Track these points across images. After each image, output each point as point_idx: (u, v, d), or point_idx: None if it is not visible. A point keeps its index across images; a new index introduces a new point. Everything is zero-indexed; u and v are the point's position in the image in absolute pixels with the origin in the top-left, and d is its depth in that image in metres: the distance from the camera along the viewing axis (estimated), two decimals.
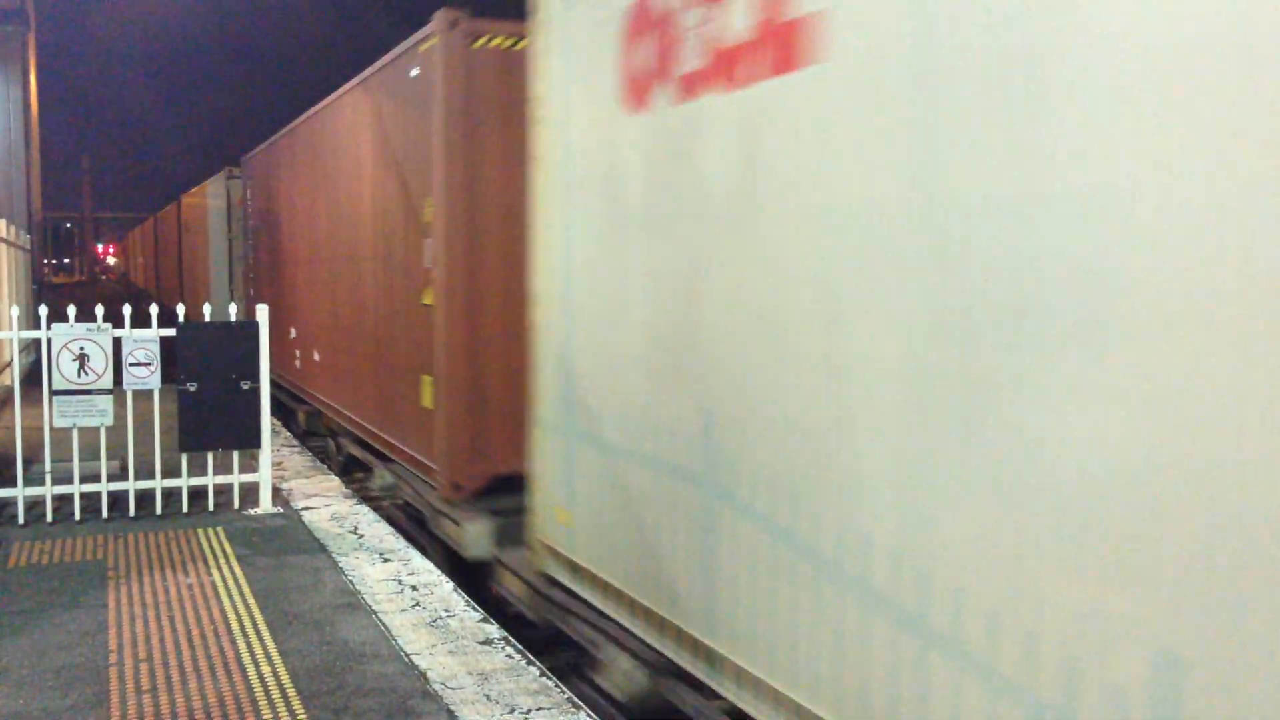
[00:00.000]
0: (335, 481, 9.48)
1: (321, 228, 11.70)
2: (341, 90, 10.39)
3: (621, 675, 5.18)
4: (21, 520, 7.64)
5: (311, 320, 12.31)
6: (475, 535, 7.15)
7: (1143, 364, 2.48)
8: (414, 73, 7.97)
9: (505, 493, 7.20)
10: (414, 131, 8.09)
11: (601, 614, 5.33)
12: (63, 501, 7.89)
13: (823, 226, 3.60)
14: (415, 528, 8.47)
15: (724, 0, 4.08)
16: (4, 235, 15.23)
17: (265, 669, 5.08)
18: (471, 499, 7.45)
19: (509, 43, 7.28)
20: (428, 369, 7.85)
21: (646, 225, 4.82)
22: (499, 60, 7.29)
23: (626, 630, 5.09)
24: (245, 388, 7.98)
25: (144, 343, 7.78)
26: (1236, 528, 2.28)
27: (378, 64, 9.04)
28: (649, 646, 4.88)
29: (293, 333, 13.25)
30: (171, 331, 7.85)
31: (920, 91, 3.16)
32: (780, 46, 3.76)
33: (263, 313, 8.17)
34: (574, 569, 5.61)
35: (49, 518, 7.72)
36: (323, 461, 10.90)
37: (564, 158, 5.63)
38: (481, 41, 7.33)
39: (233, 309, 8.71)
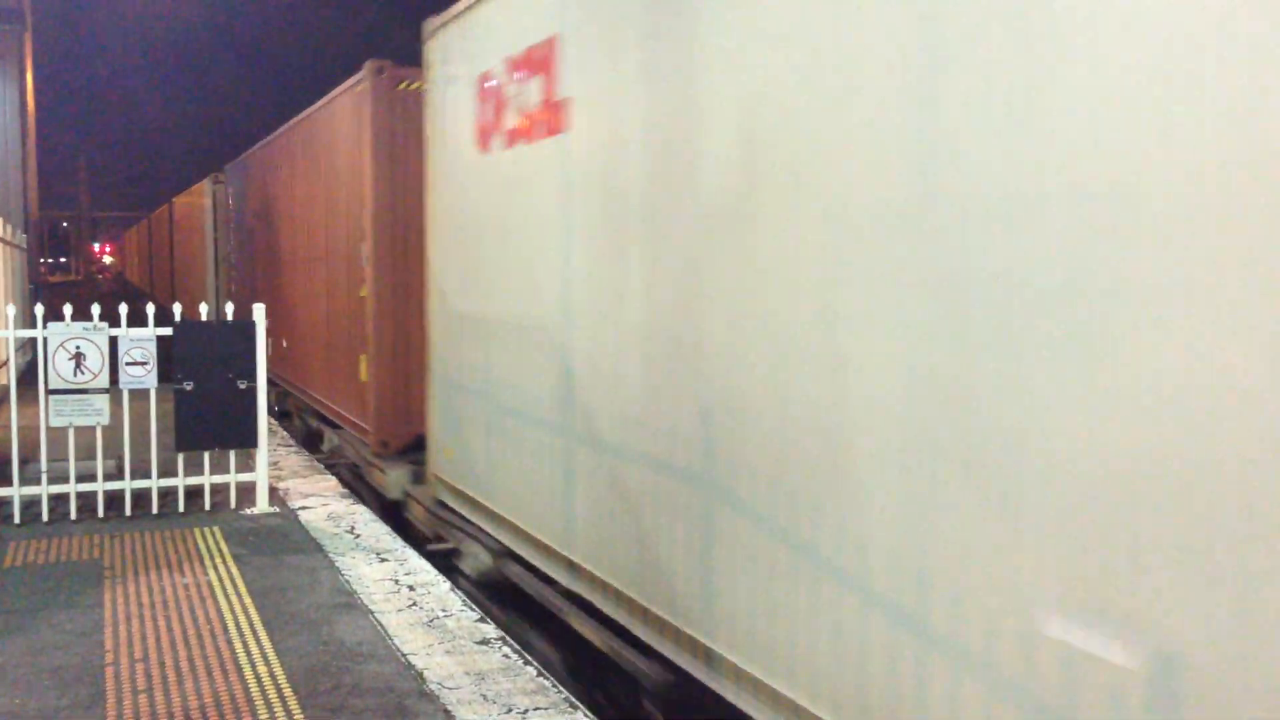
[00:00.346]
0: (332, 481, 9.48)
1: (287, 231, 13.55)
2: (301, 116, 12.18)
3: (473, 559, 7.06)
4: (17, 520, 7.62)
5: (281, 312, 13.67)
6: (395, 480, 8.90)
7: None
8: (352, 107, 9.77)
9: (424, 449, 8.39)
10: (354, 154, 9.82)
11: (467, 520, 7.24)
12: (59, 501, 7.87)
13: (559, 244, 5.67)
14: (355, 480, 10.12)
15: (527, 81, 5.90)
16: (0, 234, 15.20)
17: (262, 669, 5.07)
18: (396, 454, 9.24)
19: None
20: (364, 349, 9.58)
21: (496, 241, 6.60)
22: (419, 99, 8.44)
23: (480, 529, 6.96)
24: (242, 387, 7.97)
25: (140, 342, 7.76)
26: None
27: (326, 98, 10.81)
28: (498, 542, 6.71)
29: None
30: (168, 330, 7.84)
31: (611, 153, 5.07)
32: (552, 117, 5.63)
33: (259, 311, 8.15)
34: (454, 491, 7.45)
35: (45, 517, 7.70)
36: (290, 435, 12.24)
37: (445, 185, 7.45)
38: (404, 85, 9.08)
39: (230, 308, 8.71)
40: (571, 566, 5.61)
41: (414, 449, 8.92)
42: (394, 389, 9.25)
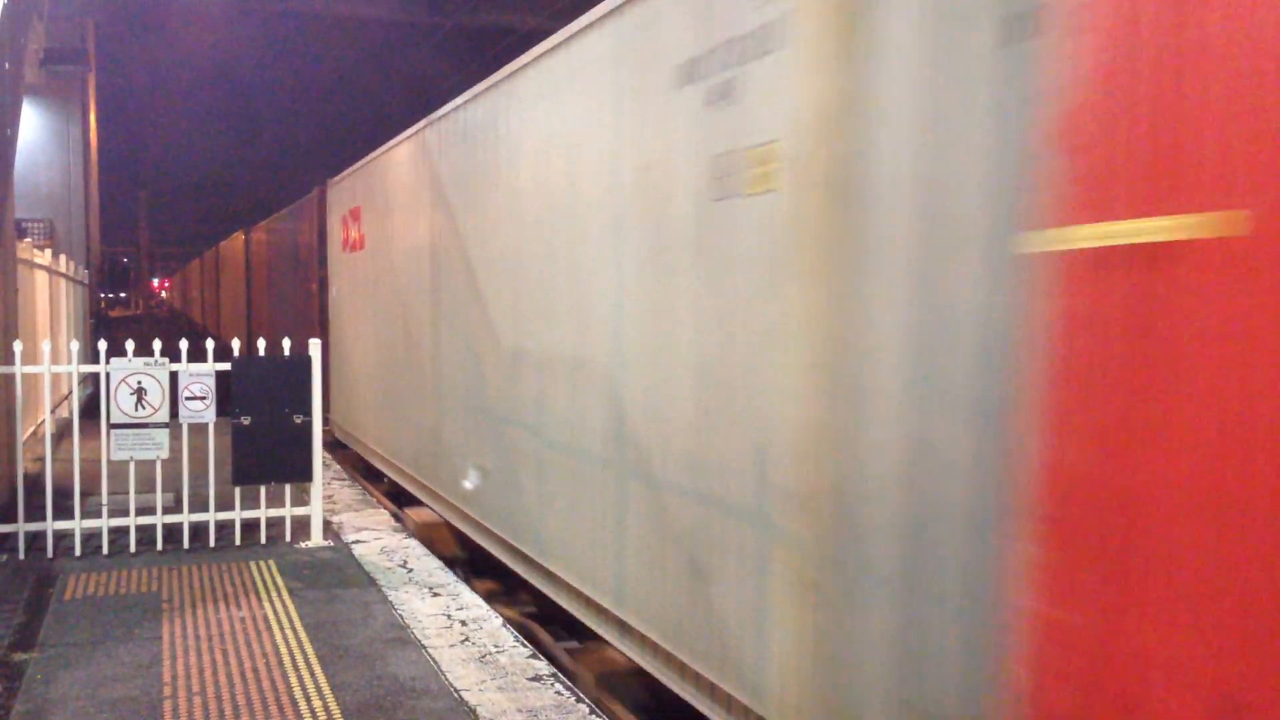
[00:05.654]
0: (385, 515, 9.54)
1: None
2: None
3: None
4: (78, 552, 7.75)
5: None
6: None
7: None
8: None
9: None
10: None
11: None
12: (118, 534, 7.99)
13: None
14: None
15: None
16: (65, 270, 15.55)
17: (316, 703, 5.10)
18: None
19: None
20: None
21: None
22: None
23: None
24: (298, 421, 8.06)
25: (200, 377, 7.89)
26: None
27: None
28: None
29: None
30: (227, 366, 7.95)
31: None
32: None
33: (315, 347, 8.25)
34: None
35: (105, 550, 7.82)
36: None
37: None
38: None
39: (286, 343, 8.60)
40: None
41: None
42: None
